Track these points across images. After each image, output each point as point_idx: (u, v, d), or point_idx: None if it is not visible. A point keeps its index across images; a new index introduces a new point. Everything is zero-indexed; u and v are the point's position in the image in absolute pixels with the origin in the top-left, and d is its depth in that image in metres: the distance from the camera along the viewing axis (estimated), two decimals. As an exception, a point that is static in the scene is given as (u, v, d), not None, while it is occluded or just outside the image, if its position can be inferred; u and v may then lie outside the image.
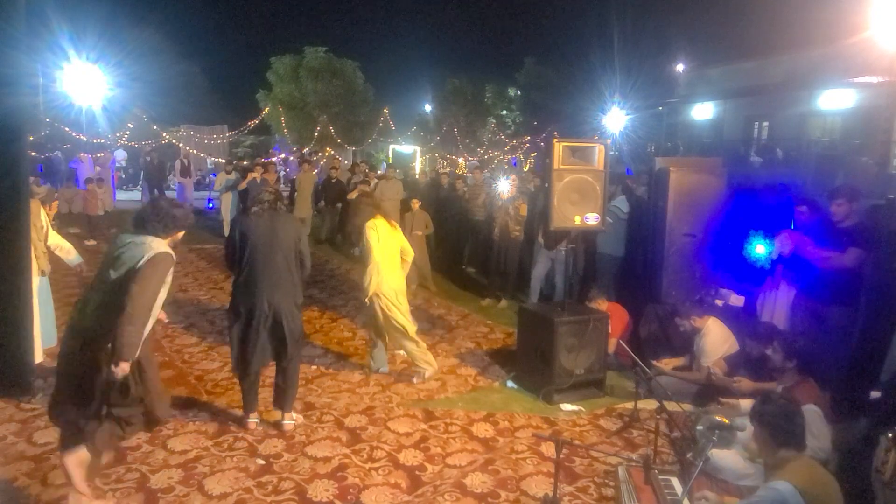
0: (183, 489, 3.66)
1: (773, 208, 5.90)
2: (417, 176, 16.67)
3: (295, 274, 4.43)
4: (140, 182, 19.78)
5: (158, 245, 3.27)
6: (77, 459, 3.28)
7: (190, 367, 5.64)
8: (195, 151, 21.99)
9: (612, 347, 5.70)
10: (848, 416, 4.16)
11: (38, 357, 5.06)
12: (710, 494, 3.12)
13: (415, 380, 5.47)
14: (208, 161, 23.60)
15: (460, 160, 30.34)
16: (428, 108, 35.79)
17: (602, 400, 5.26)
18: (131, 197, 19.40)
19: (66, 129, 18.22)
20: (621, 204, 7.04)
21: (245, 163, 16.50)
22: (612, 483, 3.86)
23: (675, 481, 3.38)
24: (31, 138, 15.39)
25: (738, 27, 22.40)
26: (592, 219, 5.21)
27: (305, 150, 23.90)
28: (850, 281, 4.92)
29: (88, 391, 3.20)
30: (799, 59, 18.04)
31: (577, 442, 4.46)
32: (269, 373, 4.77)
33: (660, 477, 3.39)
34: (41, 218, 5.29)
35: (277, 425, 4.47)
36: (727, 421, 3.11)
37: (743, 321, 5.45)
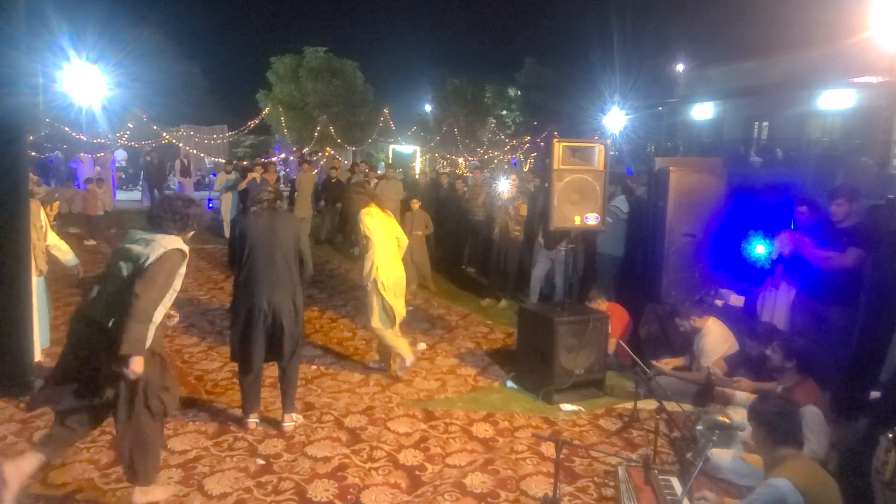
0: (183, 489, 3.66)
1: (773, 208, 5.90)
2: (417, 176, 16.67)
3: (295, 273, 4.43)
4: (140, 182, 19.78)
5: (169, 242, 3.26)
6: (37, 460, 3.23)
7: (190, 367, 5.64)
8: (195, 151, 21.99)
9: (611, 347, 5.70)
10: (848, 416, 4.16)
11: (37, 356, 5.06)
12: (709, 494, 3.12)
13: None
14: (207, 161, 23.58)
15: (460, 160, 30.33)
16: (428, 108, 35.81)
17: (602, 400, 5.26)
18: (131, 197, 19.42)
19: (66, 129, 18.22)
20: (621, 204, 7.04)
21: (245, 163, 16.51)
22: (611, 483, 3.86)
23: (675, 481, 3.38)
24: (31, 138, 15.40)
25: (738, 27, 22.42)
26: (592, 219, 5.21)
27: (305, 150, 23.90)
28: (850, 281, 4.92)
29: (89, 381, 3.20)
30: (799, 59, 18.05)
31: (576, 442, 4.46)
32: (269, 373, 4.77)
33: (659, 477, 3.39)
34: (41, 218, 5.29)
35: (277, 426, 4.47)
36: (727, 420, 3.11)
37: (743, 321, 5.46)
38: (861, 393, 4.11)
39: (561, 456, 3.08)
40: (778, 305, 5.50)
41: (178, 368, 5.59)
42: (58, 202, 6.72)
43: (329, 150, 24.93)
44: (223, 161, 17.85)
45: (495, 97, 35.43)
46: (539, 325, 5.32)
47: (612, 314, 5.70)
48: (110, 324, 3.13)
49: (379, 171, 15.50)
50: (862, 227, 5.01)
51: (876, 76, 14.69)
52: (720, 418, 3.16)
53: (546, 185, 5.37)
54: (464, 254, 10.64)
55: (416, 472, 3.98)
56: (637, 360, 4.69)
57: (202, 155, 22.63)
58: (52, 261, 5.57)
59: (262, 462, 4.01)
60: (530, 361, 5.39)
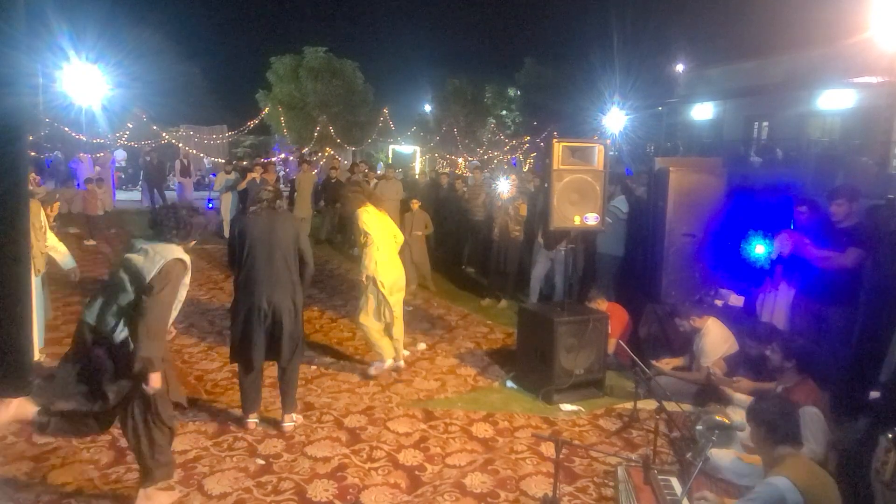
0: (182, 489, 3.65)
1: (773, 208, 5.90)
2: (417, 176, 16.67)
3: (294, 273, 4.44)
4: (140, 182, 19.77)
5: (169, 252, 3.26)
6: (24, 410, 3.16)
7: (190, 367, 5.64)
8: (195, 151, 21.98)
9: (611, 347, 5.70)
10: (847, 416, 4.16)
11: (35, 355, 5.07)
12: (709, 494, 3.12)
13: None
14: (206, 161, 23.56)
15: (460, 160, 30.33)
16: (428, 108, 35.79)
17: (601, 400, 5.26)
18: (131, 197, 19.41)
19: (66, 129, 18.21)
20: (620, 204, 7.04)
21: (245, 163, 16.50)
22: (611, 483, 3.86)
23: (675, 481, 3.39)
24: (31, 138, 15.40)
25: (738, 27, 22.42)
26: (592, 219, 5.21)
27: (305, 151, 23.90)
28: (850, 281, 4.92)
29: (95, 388, 3.20)
30: (799, 59, 18.05)
31: (576, 442, 4.46)
32: (269, 373, 4.77)
33: (659, 477, 3.39)
34: (40, 219, 5.30)
35: (277, 426, 4.47)
36: (727, 421, 3.11)
37: (742, 321, 5.46)
38: (861, 393, 4.12)
39: (561, 456, 3.08)
40: (778, 305, 5.50)
41: (178, 368, 5.59)
42: (58, 203, 6.72)
43: (329, 151, 24.92)
44: (223, 161, 17.83)
45: (495, 97, 35.43)
46: (539, 325, 5.32)
47: (612, 314, 5.70)
48: (116, 338, 3.14)
49: (378, 171, 15.50)
50: (862, 228, 5.01)
51: (876, 76, 14.70)
52: (720, 418, 3.16)
53: (546, 185, 5.37)
54: (463, 254, 10.65)
55: (416, 472, 3.98)
56: (637, 360, 4.70)
57: (201, 155, 22.61)
58: (52, 261, 5.58)
59: (262, 462, 4.01)
60: (530, 361, 5.39)
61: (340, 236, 12.70)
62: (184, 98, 25.99)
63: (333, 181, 12.80)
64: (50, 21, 16.38)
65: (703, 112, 23.40)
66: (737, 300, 5.81)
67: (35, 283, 5.22)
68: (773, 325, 5.28)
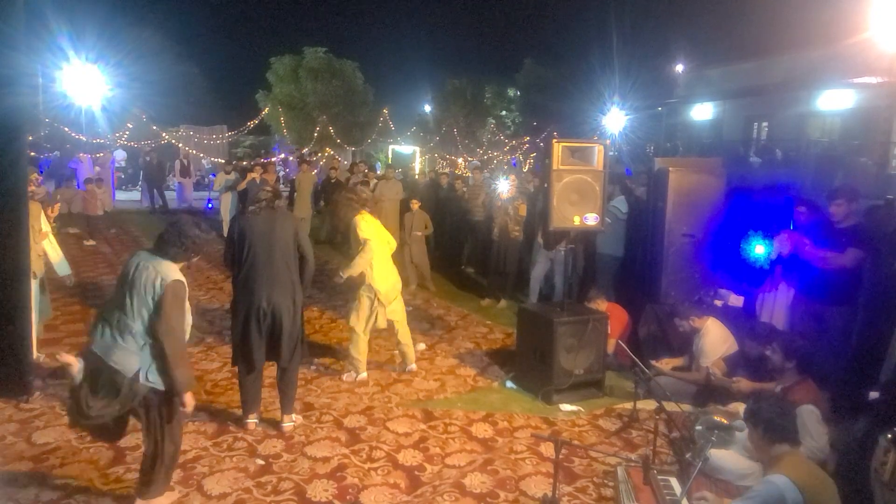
0: (182, 489, 3.66)
1: (773, 209, 5.90)
2: (417, 176, 16.67)
3: (294, 272, 4.44)
4: (139, 182, 19.76)
5: (167, 272, 3.25)
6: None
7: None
8: (195, 152, 21.95)
9: (611, 348, 5.70)
10: (847, 416, 4.16)
11: (34, 356, 5.08)
12: (708, 495, 3.12)
13: (344, 377, 5.49)
14: (205, 161, 23.54)
15: (460, 160, 30.33)
16: (427, 108, 35.78)
17: (601, 400, 5.27)
18: (131, 197, 19.40)
19: (66, 129, 18.19)
20: (620, 204, 7.05)
21: (244, 163, 16.49)
22: (611, 483, 3.86)
23: (674, 481, 3.39)
24: (31, 138, 15.38)
25: (737, 28, 22.42)
26: (592, 219, 5.22)
27: (305, 151, 23.88)
28: (849, 281, 4.92)
29: (110, 405, 3.22)
30: (798, 59, 18.04)
31: (576, 442, 4.46)
32: (269, 373, 4.77)
33: (659, 477, 3.39)
34: (40, 221, 5.30)
35: (277, 426, 4.47)
36: (726, 421, 3.11)
37: (742, 322, 5.46)
38: (860, 393, 4.12)
39: (560, 456, 3.08)
40: (777, 306, 5.50)
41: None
42: (59, 204, 6.73)
43: (328, 151, 24.90)
44: (223, 161, 17.83)
45: (495, 98, 35.42)
46: (538, 325, 5.32)
47: (612, 314, 5.71)
48: (130, 372, 3.17)
49: (378, 172, 15.50)
50: (861, 228, 5.02)
51: (875, 77, 14.69)
52: (719, 418, 3.17)
53: (545, 185, 5.38)
54: (463, 254, 10.65)
55: (416, 473, 3.98)
56: (636, 360, 4.70)
57: (200, 155, 22.60)
58: (50, 264, 5.58)
59: (262, 462, 4.01)
60: (530, 362, 5.39)
61: (340, 236, 12.69)
62: (184, 98, 25.98)
63: (333, 181, 12.79)
64: (50, 21, 16.38)
65: (702, 112, 23.39)
66: (736, 300, 5.81)
67: (33, 284, 5.22)
68: (772, 326, 5.29)
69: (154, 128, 20.79)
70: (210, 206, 16.50)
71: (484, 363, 6.11)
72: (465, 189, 10.85)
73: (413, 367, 5.70)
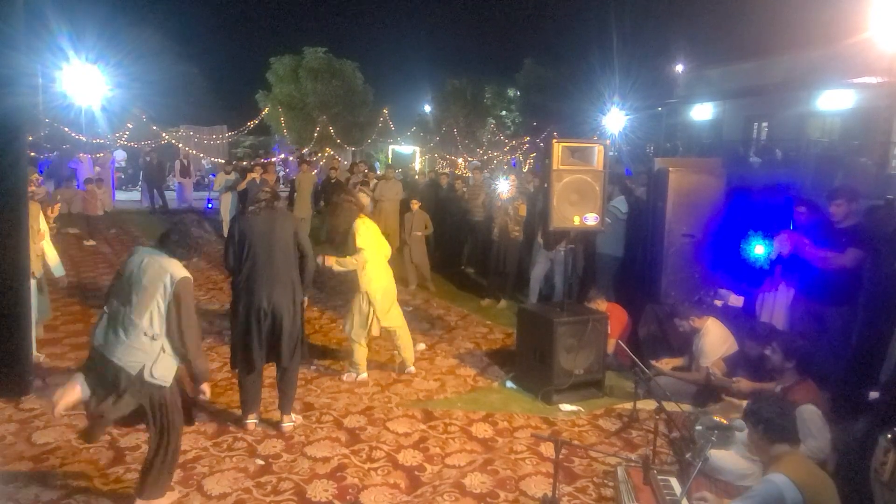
0: (182, 489, 3.66)
1: (773, 209, 5.90)
2: (416, 176, 16.66)
3: (295, 272, 4.44)
4: (139, 182, 19.77)
5: (178, 269, 3.31)
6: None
7: (189, 367, 5.62)
8: (195, 152, 21.95)
9: (611, 348, 5.70)
10: (847, 416, 4.16)
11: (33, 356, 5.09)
12: (708, 495, 3.12)
13: (344, 377, 5.49)
14: (204, 161, 23.53)
15: (459, 161, 30.33)
16: (427, 108, 35.76)
17: (601, 400, 5.27)
18: (131, 197, 19.40)
19: (66, 129, 18.19)
20: (620, 204, 7.05)
21: (244, 163, 16.49)
22: (611, 483, 3.86)
23: (674, 481, 3.39)
24: (31, 138, 15.37)
25: (737, 28, 22.41)
26: (591, 219, 5.22)
27: (305, 151, 23.88)
28: (849, 281, 4.92)
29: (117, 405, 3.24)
30: (798, 59, 18.04)
31: (576, 442, 4.46)
32: (269, 373, 4.77)
33: (658, 477, 3.40)
34: (39, 221, 5.30)
35: (276, 426, 4.47)
36: (726, 421, 3.11)
37: (742, 322, 5.46)
38: (860, 393, 4.12)
39: (560, 456, 3.08)
40: (777, 306, 5.50)
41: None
42: (59, 204, 6.73)
43: (328, 151, 24.90)
44: (222, 161, 17.83)
45: (495, 98, 35.40)
46: (538, 325, 5.32)
47: (612, 314, 5.71)
48: (135, 369, 3.20)
49: (378, 172, 15.50)
50: (861, 228, 5.02)
51: (875, 77, 14.69)
52: (719, 419, 3.17)
53: (545, 185, 5.38)
54: (463, 254, 10.65)
55: (416, 473, 3.98)
56: (636, 360, 4.70)
57: (200, 155, 22.59)
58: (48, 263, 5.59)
59: (262, 462, 4.01)
60: (530, 362, 5.39)
61: (340, 236, 12.66)
62: (184, 98, 25.96)
63: (333, 181, 12.79)
64: (49, 21, 16.37)
65: (702, 112, 23.39)
66: (736, 300, 5.81)
67: (32, 284, 5.22)
68: (772, 326, 5.29)
69: (154, 128, 20.78)
70: (210, 206, 16.50)
71: (484, 363, 6.11)
72: (465, 189, 10.85)
73: (412, 369, 5.70)
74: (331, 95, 26.34)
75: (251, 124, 24.78)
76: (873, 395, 3.88)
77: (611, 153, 19.88)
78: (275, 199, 4.57)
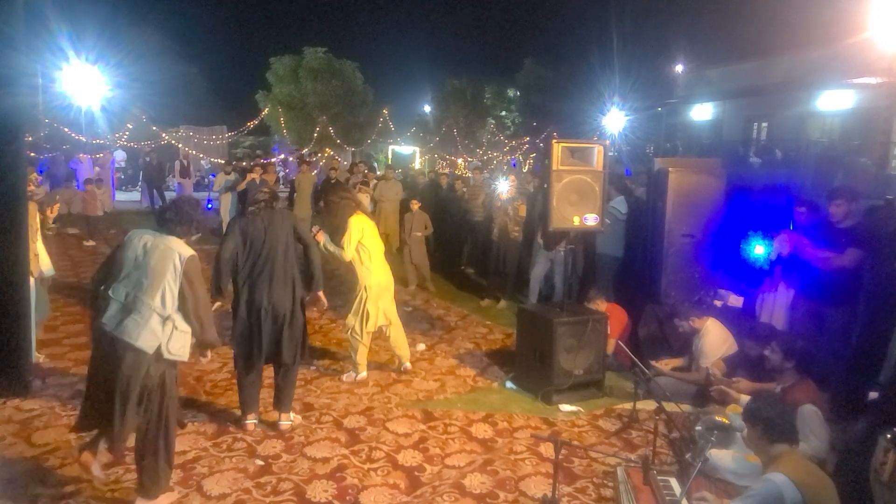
0: (182, 490, 3.65)
1: (772, 209, 5.91)
2: (419, 177, 16.66)
3: (295, 271, 4.45)
4: (139, 183, 19.77)
5: (184, 248, 3.39)
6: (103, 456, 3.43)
7: (189, 367, 5.61)
8: (194, 152, 21.96)
9: (610, 348, 5.70)
10: (846, 416, 4.16)
11: (33, 356, 5.08)
12: (708, 495, 3.12)
13: (343, 377, 5.48)
14: (204, 162, 23.54)
15: (459, 161, 30.34)
16: (427, 108, 35.77)
17: (601, 401, 5.26)
18: (130, 198, 19.42)
19: (66, 129, 18.19)
20: (619, 205, 7.04)
21: (244, 163, 16.49)
22: (610, 484, 3.86)
23: (674, 482, 3.39)
24: (31, 138, 15.38)
25: (737, 28, 22.40)
26: (591, 219, 5.22)
27: (304, 151, 23.88)
28: (849, 281, 4.92)
29: (131, 396, 3.25)
30: (798, 59, 18.04)
31: (575, 443, 4.46)
32: (269, 373, 4.77)
33: (658, 477, 3.39)
34: (36, 221, 5.31)
35: (275, 426, 4.47)
36: (726, 421, 3.11)
37: (742, 322, 5.45)
38: (860, 393, 4.12)
39: (560, 456, 3.08)
40: (777, 306, 5.50)
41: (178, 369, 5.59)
42: (58, 204, 6.74)
43: (328, 151, 24.90)
44: (222, 162, 17.83)
45: (495, 98, 35.39)
46: (538, 325, 5.32)
47: (611, 315, 5.70)
48: (152, 349, 3.26)
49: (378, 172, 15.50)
50: (861, 228, 5.02)
51: (875, 77, 14.69)
52: (719, 419, 3.17)
53: (545, 185, 5.37)
54: (463, 254, 10.65)
55: (415, 473, 3.98)
56: (636, 360, 4.70)
57: (200, 156, 22.59)
58: (52, 263, 5.59)
59: (261, 463, 4.01)
60: (529, 362, 5.39)
61: (339, 237, 12.67)
62: (183, 98, 25.94)
63: (333, 182, 12.78)
64: (49, 21, 16.37)
65: (702, 113, 23.39)
66: (736, 301, 5.81)
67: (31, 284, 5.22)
68: (772, 326, 5.28)
69: (154, 128, 20.79)
70: (210, 206, 16.51)
71: (484, 363, 6.11)
72: (464, 189, 10.86)
73: (408, 365, 5.69)
74: (331, 95, 26.34)
75: (251, 124, 24.78)
76: (873, 395, 3.89)
77: (611, 153, 19.89)
78: (274, 199, 4.57)
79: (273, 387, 4.65)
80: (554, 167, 5.16)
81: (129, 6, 27.08)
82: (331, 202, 5.39)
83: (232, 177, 12.65)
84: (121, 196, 19.10)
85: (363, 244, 5.30)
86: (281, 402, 4.52)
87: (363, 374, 5.49)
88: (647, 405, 4.84)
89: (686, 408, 4.59)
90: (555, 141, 5.28)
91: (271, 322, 4.32)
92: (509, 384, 5.56)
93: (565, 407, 5.08)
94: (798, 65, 17.94)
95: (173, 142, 21.22)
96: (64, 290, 7.37)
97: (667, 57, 25.02)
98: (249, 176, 11.66)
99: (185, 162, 17.54)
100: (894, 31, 12.21)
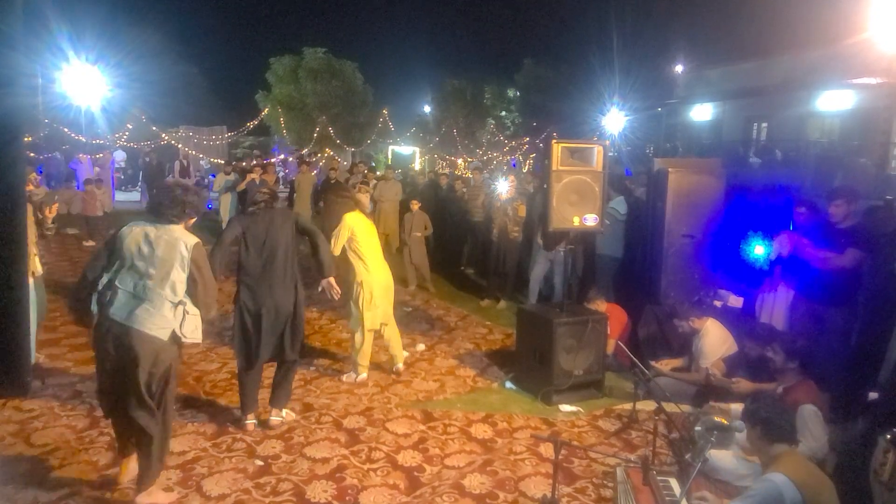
0: (181, 490, 3.65)
1: (772, 209, 5.91)
2: (416, 177, 16.66)
3: (296, 270, 4.46)
4: (139, 183, 19.77)
5: (187, 235, 3.45)
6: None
7: (189, 367, 5.63)
8: (194, 152, 21.95)
9: (610, 348, 5.70)
10: (846, 416, 4.16)
11: (33, 356, 5.08)
12: (708, 495, 3.12)
13: (343, 377, 5.47)
14: (203, 162, 23.54)
15: (459, 161, 30.35)
16: (427, 109, 35.78)
17: (601, 401, 5.26)
18: (130, 198, 19.42)
19: (66, 129, 18.19)
20: (618, 205, 7.04)
21: (244, 164, 16.49)
22: (610, 484, 3.86)
23: (674, 482, 3.38)
24: (30, 139, 15.39)
25: (737, 28, 22.45)
26: (591, 220, 5.22)
27: (304, 152, 23.88)
28: (849, 282, 4.92)
29: (141, 383, 3.29)
30: (798, 60, 18.05)
31: (575, 443, 4.46)
32: (268, 374, 4.77)
33: (658, 478, 3.39)
34: (31, 220, 5.31)
35: (265, 423, 4.47)
36: (726, 422, 3.11)
37: (741, 322, 5.45)
38: (859, 394, 4.12)
39: (560, 457, 3.08)
40: (776, 306, 5.50)
41: (177, 369, 5.58)
42: (57, 204, 6.73)
43: (328, 151, 24.89)
44: (222, 162, 17.83)
45: (494, 98, 35.40)
46: (538, 325, 5.31)
47: (611, 315, 5.70)
48: (167, 335, 3.34)
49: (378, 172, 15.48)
50: (860, 228, 5.02)
51: (875, 77, 14.71)
52: (719, 419, 3.16)
53: (545, 186, 5.37)
54: (463, 255, 10.65)
55: (415, 473, 3.98)
56: (636, 360, 4.69)
57: (200, 156, 22.59)
58: (48, 262, 5.58)
59: (261, 463, 4.01)
60: (529, 362, 5.39)
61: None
62: (183, 99, 25.95)
63: (333, 182, 12.78)
64: (49, 21, 16.36)
65: (702, 113, 23.40)
66: (736, 301, 5.81)
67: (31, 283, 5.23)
68: (772, 326, 5.28)
69: (154, 128, 20.79)
70: (209, 206, 16.51)
71: (483, 364, 6.11)
72: (464, 190, 10.86)
73: (400, 366, 5.67)
74: (330, 96, 26.33)
75: (251, 125, 24.78)
76: (873, 395, 3.89)
77: (610, 154, 19.86)
78: (273, 199, 4.58)
79: (271, 386, 4.64)
80: (554, 167, 5.16)
81: (129, 6, 27.11)
82: (330, 202, 5.40)
83: (232, 177, 12.66)
84: (121, 196, 19.11)
85: (357, 240, 5.29)
86: (277, 400, 4.53)
87: (363, 375, 5.48)
88: (647, 405, 4.83)
89: (686, 408, 4.60)
90: (554, 141, 5.27)
91: (273, 321, 4.33)
92: (509, 384, 5.56)
93: (565, 407, 5.08)
94: (798, 65, 17.95)
95: (173, 142, 21.21)
96: (64, 291, 7.37)
97: (667, 57, 25.05)
98: (249, 176, 11.67)
99: (184, 162, 17.54)
100: (894, 31, 12.20)
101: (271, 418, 4.47)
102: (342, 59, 27.06)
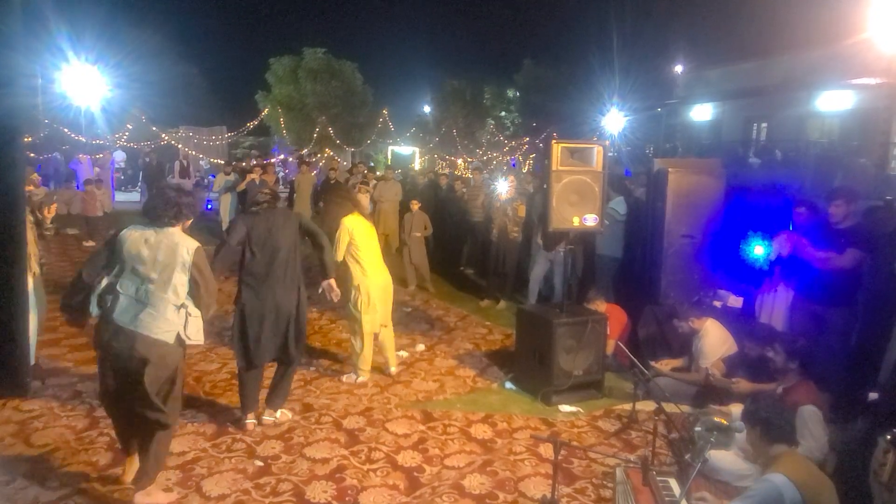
0: (181, 490, 3.65)
1: (772, 209, 5.91)
2: (416, 177, 16.66)
3: (298, 270, 4.46)
4: (139, 183, 19.77)
5: (187, 239, 3.45)
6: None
7: (188, 368, 5.62)
8: (194, 152, 21.95)
9: (610, 349, 5.70)
10: (846, 417, 4.16)
11: (33, 358, 5.07)
12: (708, 495, 3.12)
13: (343, 378, 5.46)
14: (203, 162, 23.53)
15: (459, 161, 30.35)
16: (427, 109, 35.79)
17: (600, 401, 5.26)
18: (130, 198, 19.40)
19: (65, 130, 18.19)
20: (617, 205, 7.03)
21: (244, 164, 16.49)
22: (610, 484, 3.86)
23: (673, 482, 3.39)
24: (30, 139, 15.38)
25: (737, 28, 22.44)
26: (591, 220, 5.21)
27: (304, 152, 23.87)
28: (849, 282, 4.92)
29: (148, 386, 3.29)
30: (798, 60, 18.05)
31: (575, 443, 4.46)
32: (268, 374, 4.77)
33: (658, 478, 3.39)
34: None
35: (275, 426, 4.47)
36: (725, 422, 3.11)
37: (741, 323, 5.46)
38: (859, 394, 4.12)
39: (559, 457, 3.08)
40: (776, 307, 5.50)
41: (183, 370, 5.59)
42: (56, 204, 6.73)
43: (328, 152, 24.89)
44: (222, 162, 17.83)
45: (494, 98, 35.41)
46: (538, 326, 5.31)
47: (611, 315, 5.70)
48: (172, 338, 3.35)
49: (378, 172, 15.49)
50: (860, 229, 5.02)
51: (874, 77, 14.71)
52: (718, 419, 3.16)
53: (545, 186, 5.37)
54: (462, 255, 10.65)
55: (415, 474, 3.98)
56: (636, 361, 4.70)
57: (200, 156, 22.58)
58: (48, 262, 5.57)
59: (261, 463, 4.00)
60: (529, 363, 5.39)
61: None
62: (183, 99, 25.95)
63: (332, 182, 12.78)
64: (49, 22, 16.37)
65: (702, 113, 23.40)
66: (735, 301, 5.81)
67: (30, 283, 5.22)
68: (771, 327, 5.29)
69: (153, 129, 20.79)
70: (209, 207, 16.50)
71: (483, 364, 6.11)
72: (464, 190, 10.86)
73: (393, 370, 5.65)
74: (330, 96, 26.33)
75: (251, 125, 24.78)
76: (873, 395, 3.89)
77: (610, 154, 19.85)
78: (276, 199, 4.59)
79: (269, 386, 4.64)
80: (553, 167, 5.15)
81: (128, 6, 27.15)
82: (330, 203, 5.39)
83: (232, 177, 12.66)
84: (120, 196, 19.10)
85: (355, 244, 5.28)
86: (273, 400, 4.54)
87: (363, 377, 5.47)
88: (647, 406, 4.83)
89: (685, 408, 4.60)
90: (554, 141, 5.27)
91: (275, 322, 4.33)
92: (509, 385, 5.55)
93: (565, 407, 5.08)
94: (798, 65, 17.96)
95: (173, 142, 21.21)
96: (61, 291, 7.36)
97: (666, 57, 25.06)
98: (249, 177, 11.67)
99: (184, 162, 17.55)
100: (894, 31, 12.20)
101: (264, 417, 4.48)
102: (342, 59, 27.06)
